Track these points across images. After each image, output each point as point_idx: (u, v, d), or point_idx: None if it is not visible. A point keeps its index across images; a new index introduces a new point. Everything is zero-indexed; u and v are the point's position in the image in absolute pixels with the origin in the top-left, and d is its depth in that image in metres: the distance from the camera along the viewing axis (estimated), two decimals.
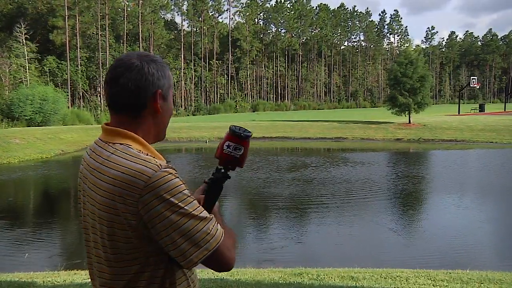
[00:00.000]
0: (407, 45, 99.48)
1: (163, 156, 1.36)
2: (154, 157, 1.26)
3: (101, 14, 54.34)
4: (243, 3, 76.85)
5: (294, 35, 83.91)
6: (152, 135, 1.36)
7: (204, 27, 70.54)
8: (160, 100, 1.33)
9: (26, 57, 44.32)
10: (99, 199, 1.24)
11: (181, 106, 63.64)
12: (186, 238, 1.19)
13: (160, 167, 1.21)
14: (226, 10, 76.11)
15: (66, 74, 50.28)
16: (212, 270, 5.54)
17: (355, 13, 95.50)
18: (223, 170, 1.49)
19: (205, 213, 1.23)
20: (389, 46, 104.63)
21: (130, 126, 1.32)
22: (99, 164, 1.28)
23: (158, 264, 1.26)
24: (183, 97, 65.61)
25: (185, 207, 1.19)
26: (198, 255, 1.20)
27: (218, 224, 1.26)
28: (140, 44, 59.50)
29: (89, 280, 1.49)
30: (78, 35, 52.00)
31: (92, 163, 1.31)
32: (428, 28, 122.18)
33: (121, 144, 1.28)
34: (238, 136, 1.45)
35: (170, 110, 1.39)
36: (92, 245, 1.32)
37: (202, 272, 5.57)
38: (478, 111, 52.03)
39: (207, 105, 67.85)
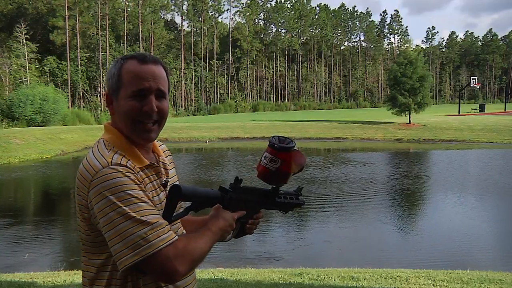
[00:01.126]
0: (407, 45, 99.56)
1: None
2: (118, 154, 1.25)
3: (101, 14, 54.35)
4: (243, 3, 76.90)
5: (294, 35, 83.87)
6: (123, 131, 1.33)
7: (204, 27, 70.54)
8: (113, 100, 1.33)
9: (26, 57, 44.33)
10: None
11: (181, 106, 63.64)
12: (121, 239, 1.14)
13: (109, 163, 1.20)
14: (226, 10, 76.15)
15: (66, 74, 50.27)
16: (211, 269, 5.47)
17: (355, 13, 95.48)
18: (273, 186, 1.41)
19: (149, 217, 1.16)
20: (389, 46, 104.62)
21: (111, 122, 1.37)
22: None
23: (115, 268, 1.22)
24: (183, 97, 65.61)
25: (123, 207, 1.14)
26: (129, 258, 1.14)
27: (168, 232, 1.17)
28: (140, 44, 59.49)
29: None
30: (78, 35, 51.98)
31: None
32: (429, 28, 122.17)
33: (101, 138, 1.32)
34: (272, 147, 1.35)
35: (124, 109, 1.30)
36: None
37: (202, 272, 5.58)
38: (478, 111, 52.00)
39: (207, 105, 67.85)
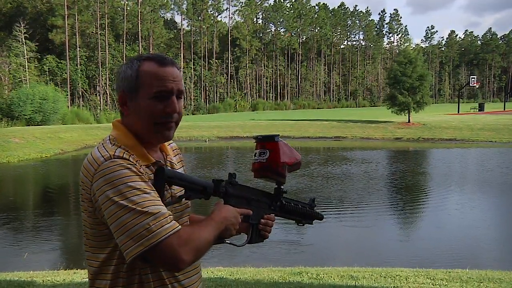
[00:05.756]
0: (407, 44, 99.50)
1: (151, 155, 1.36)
2: (121, 148, 1.25)
3: (100, 13, 54.28)
4: (242, 2, 76.84)
5: (294, 34, 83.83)
6: (138, 131, 1.33)
7: (204, 26, 70.48)
8: (128, 101, 1.32)
9: (26, 56, 44.27)
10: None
11: None
12: (124, 231, 1.16)
13: (111, 156, 1.21)
14: (226, 9, 76.13)
15: (66, 73, 50.21)
16: (210, 268, 5.45)
17: (355, 12, 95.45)
18: (276, 187, 1.46)
19: (151, 208, 1.17)
20: (389, 45, 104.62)
21: (121, 120, 1.38)
22: None
23: (123, 258, 1.22)
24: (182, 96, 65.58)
25: (125, 199, 1.16)
26: (134, 249, 1.15)
27: (171, 222, 1.18)
28: (140, 43, 59.42)
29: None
30: (77, 34, 51.93)
31: None
32: (428, 27, 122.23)
33: (108, 135, 1.34)
34: (257, 139, 1.42)
35: (144, 110, 1.30)
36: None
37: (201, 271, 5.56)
38: (477, 110, 51.98)
39: (206, 104, 67.80)
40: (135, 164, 1.23)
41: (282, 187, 1.49)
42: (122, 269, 1.25)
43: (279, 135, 1.43)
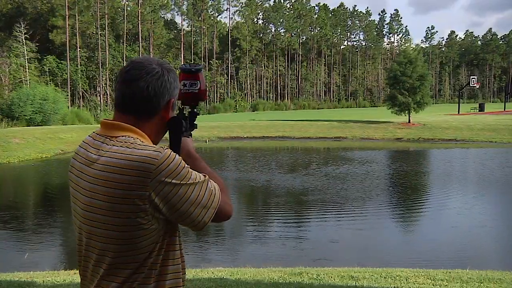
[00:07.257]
0: (407, 44, 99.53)
1: None
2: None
3: (100, 13, 54.30)
4: (242, 3, 76.83)
5: (294, 34, 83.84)
6: (154, 137, 1.40)
7: (204, 27, 70.52)
8: (170, 108, 1.40)
9: (26, 57, 44.28)
10: (104, 190, 1.24)
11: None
12: (196, 205, 1.28)
13: (162, 149, 1.28)
14: (226, 10, 76.13)
15: (66, 73, 50.22)
16: (211, 269, 5.47)
17: (355, 13, 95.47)
18: (189, 110, 1.58)
19: (202, 176, 1.32)
20: (389, 45, 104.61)
21: (136, 126, 1.34)
22: (98, 156, 1.28)
23: (160, 250, 1.29)
24: None
25: (189, 179, 1.27)
26: (209, 215, 1.31)
27: (211, 180, 1.35)
28: (140, 43, 59.44)
29: None
30: (77, 34, 51.94)
31: (89, 156, 1.31)
32: (428, 27, 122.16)
33: (123, 136, 1.30)
34: (190, 72, 1.51)
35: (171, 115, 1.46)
36: (86, 236, 1.31)
37: (202, 272, 5.58)
38: (477, 110, 51.97)
39: (206, 104, 67.75)
40: None
41: (196, 110, 1.61)
42: (158, 260, 1.30)
43: (200, 64, 1.56)
